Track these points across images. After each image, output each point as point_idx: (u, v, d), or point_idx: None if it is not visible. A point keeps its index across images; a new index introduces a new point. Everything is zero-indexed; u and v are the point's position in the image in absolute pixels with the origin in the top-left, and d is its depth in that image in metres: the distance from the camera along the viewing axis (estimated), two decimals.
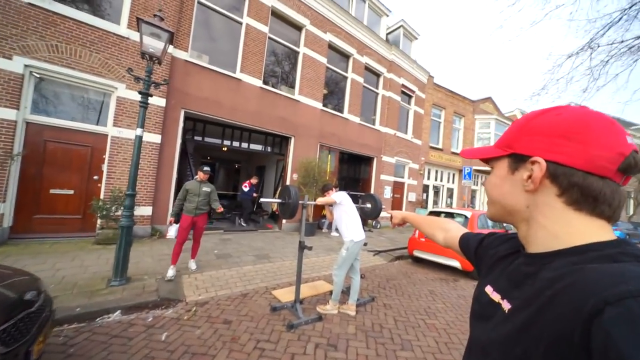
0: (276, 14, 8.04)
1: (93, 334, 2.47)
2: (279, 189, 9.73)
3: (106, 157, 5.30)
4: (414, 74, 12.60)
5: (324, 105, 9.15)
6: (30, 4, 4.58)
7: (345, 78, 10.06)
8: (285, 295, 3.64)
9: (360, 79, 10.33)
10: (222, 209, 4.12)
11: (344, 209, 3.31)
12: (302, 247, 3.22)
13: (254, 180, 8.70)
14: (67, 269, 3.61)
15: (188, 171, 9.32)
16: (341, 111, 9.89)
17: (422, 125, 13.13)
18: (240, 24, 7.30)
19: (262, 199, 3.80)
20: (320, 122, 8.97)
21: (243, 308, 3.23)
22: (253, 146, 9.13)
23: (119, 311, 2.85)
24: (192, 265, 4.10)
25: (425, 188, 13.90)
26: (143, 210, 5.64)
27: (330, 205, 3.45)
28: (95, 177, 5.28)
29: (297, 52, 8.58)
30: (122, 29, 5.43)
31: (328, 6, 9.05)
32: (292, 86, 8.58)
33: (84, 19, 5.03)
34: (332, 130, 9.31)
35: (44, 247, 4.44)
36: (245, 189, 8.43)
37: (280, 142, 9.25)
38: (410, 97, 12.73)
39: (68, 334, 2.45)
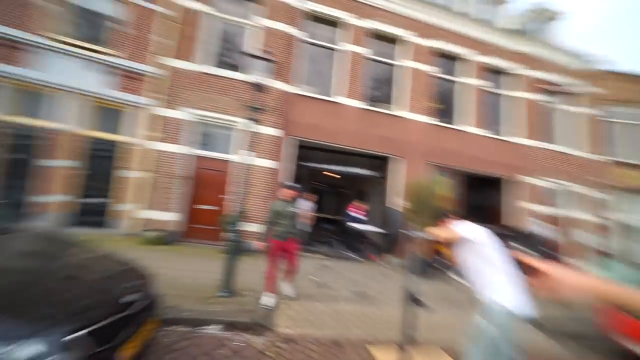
0: (373, 34, 7.95)
1: (191, 345, 2.55)
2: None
3: (232, 180, 6.39)
4: (561, 62, 9.20)
5: (432, 118, 7.94)
6: (203, 72, 6.41)
7: (457, 84, 8.49)
8: (385, 356, 2.78)
9: (478, 82, 8.45)
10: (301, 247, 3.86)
11: (480, 252, 2.09)
12: (410, 298, 2.36)
13: (361, 205, 8.32)
14: (197, 272, 4.26)
15: (301, 196, 10.19)
16: (454, 123, 8.27)
17: (596, 131, 9.10)
18: (338, 50, 7.64)
19: (351, 224, 3.20)
20: (428, 138, 7.76)
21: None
22: (354, 169, 8.94)
23: (217, 325, 2.93)
24: (287, 289, 3.80)
25: (605, 226, 9.16)
26: (257, 227, 6.30)
27: (452, 242, 2.39)
28: (227, 196, 6.41)
29: (397, 66, 8.04)
30: (242, 75, 6.66)
31: (426, 11, 8.18)
32: (395, 103, 7.97)
33: (221, 73, 6.55)
34: (444, 146, 7.82)
35: (192, 249, 5.60)
36: (352, 214, 8.10)
37: (381, 163, 8.61)
38: (564, 94, 9.24)
39: (174, 338, 2.64)
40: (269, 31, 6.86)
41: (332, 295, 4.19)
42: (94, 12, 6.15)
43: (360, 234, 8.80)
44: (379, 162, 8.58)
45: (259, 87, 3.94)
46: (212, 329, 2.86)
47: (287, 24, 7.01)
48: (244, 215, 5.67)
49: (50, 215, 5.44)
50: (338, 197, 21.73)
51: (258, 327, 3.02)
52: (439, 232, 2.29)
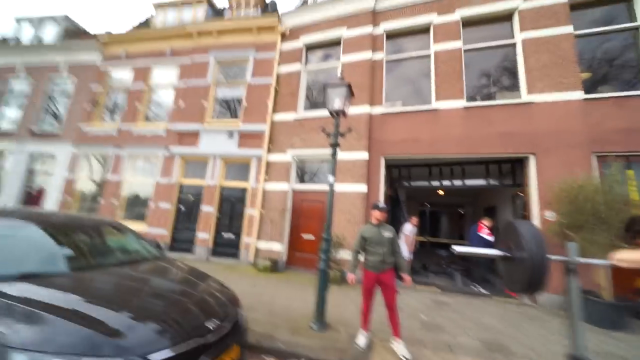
0: (469, 22, 6.71)
1: None
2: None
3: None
4: None
5: (589, 92, 5.47)
6: (295, 119, 7.43)
7: (620, 35, 5.58)
8: None
9: None
10: (409, 279, 2.99)
11: None
12: None
13: (489, 224, 6.56)
14: (295, 300, 4.38)
15: (402, 219, 9.25)
16: (625, 88, 5.32)
17: None
18: (428, 56, 6.85)
19: (457, 247, 1.67)
20: (586, 119, 5.29)
21: None
22: (470, 182, 7.27)
23: (303, 359, 2.76)
24: (399, 347, 2.86)
25: None
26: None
27: None
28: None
29: (512, 45, 6.27)
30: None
31: None
32: (514, 89, 6.13)
33: (312, 114, 7.22)
34: (625, 125, 5.06)
35: (298, 277, 5.95)
36: (481, 234, 6.43)
37: (511, 168, 6.57)
38: None
39: None
40: (351, 64, 7.21)
41: (449, 344, 3.16)
42: (230, 98, 8.58)
43: (491, 262, 6.71)
44: (508, 167, 6.62)
45: (337, 113, 4.00)
46: None
47: (367, 50, 7.15)
48: (337, 243, 5.66)
49: (200, 248, 7.33)
50: (454, 217, 18.29)
51: None
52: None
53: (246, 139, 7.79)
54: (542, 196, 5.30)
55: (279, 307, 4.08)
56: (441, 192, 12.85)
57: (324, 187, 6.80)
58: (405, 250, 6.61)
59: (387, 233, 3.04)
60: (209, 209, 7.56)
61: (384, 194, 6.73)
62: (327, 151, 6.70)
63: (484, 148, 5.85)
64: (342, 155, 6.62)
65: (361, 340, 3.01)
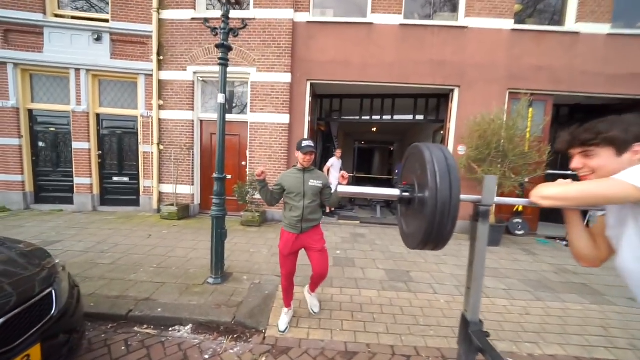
0: None
1: (144, 356, 1.92)
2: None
3: (247, 142, 5.56)
4: None
5: (518, 22, 5.29)
6: (193, 18, 5.38)
7: None
8: None
9: None
10: (332, 209, 2.53)
11: None
12: (475, 342, 1.08)
13: None
14: (200, 250, 3.74)
15: (333, 154, 8.99)
16: (560, 23, 5.38)
17: None
18: None
19: (340, 188, 1.15)
20: (510, 53, 5.25)
21: None
22: (399, 117, 7.12)
23: (190, 325, 2.26)
24: (312, 301, 2.48)
25: None
26: None
27: (616, 202, 0.86)
28: (243, 163, 5.70)
29: None
30: (249, 11, 5.34)
31: None
32: (453, 9, 5.53)
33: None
34: (538, 62, 5.21)
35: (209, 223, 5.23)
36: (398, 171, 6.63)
37: (437, 104, 6.53)
38: None
39: (134, 342, 2.06)
40: None
41: (357, 277, 3.14)
42: None
43: None
44: (433, 102, 6.53)
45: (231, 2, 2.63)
46: (183, 332, 2.20)
47: None
48: (255, 182, 4.96)
49: (82, 196, 5.70)
50: (385, 154, 19.67)
51: (241, 328, 2.24)
52: (566, 191, 0.86)
53: (123, 45, 5.50)
54: (458, 131, 5.44)
55: (175, 260, 3.39)
56: (374, 129, 13.03)
57: (241, 117, 5.62)
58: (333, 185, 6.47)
59: (314, 181, 2.14)
60: (83, 145, 5.61)
61: (312, 128, 6.02)
62: (244, 70, 5.29)
63: (415, 77, 5.42)
64: (259, 76, 5.34)
65: (283, 321, 2.25)
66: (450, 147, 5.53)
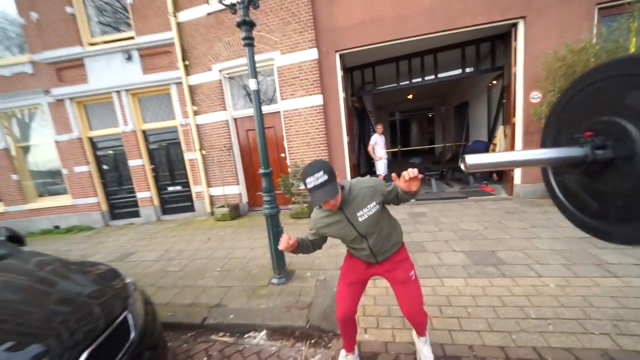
0: None
1: None
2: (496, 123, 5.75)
3: (283, 133, 5.33)
4: None
5: None
6: (208, 13, 5.19)
7: None
8: None
9: None
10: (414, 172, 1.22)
11: None
12: None
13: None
14: (257, 249, 3.70)
15: (371, 132, 8.38)
16: None
17: None
18: None
19: (469, 158, 0.63)
20: None
21: None
22: (444, 74, 6.17)
23: (264, 332, 2.15)
24: (424, 349, 1.63)
25: None
26: None
27: None
28: (282, 155, 5.53)
29: None
30: None
31: None
32: None
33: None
34: None
35: (260, 219, 5.23)
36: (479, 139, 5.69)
37: (490, 48, 5.46)
38: None
39: (214, 352, 2.01)
40: None
41: (432, 264, 2.72)
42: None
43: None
44: (486, 47, 5.48)
45: None
46: (259, 338, 2.10)
47: None
48: (296, 172, 4.75)
49: (146, 209, 6.17)
50: (423, 122, 18.00)
51: (317, 332, 2.05)
52: None
53: (151, 58, 5.60)
54: (528, 75, 4.41)
55: (236, 262, 3.39)
56: (410, 97, 11.85)
57: (272, 107, 5.38)
58: (382, 165, 5.98)
59: (365, 211, 1.34)
60: (137, 162, 6.02)
61: (348, 105, 5.53)
62: (267, 56, 4.99)
63: (463, 18, 4.48)
64: (284, 59, 4.98)
65: None
66: (519, 96, 4.56)
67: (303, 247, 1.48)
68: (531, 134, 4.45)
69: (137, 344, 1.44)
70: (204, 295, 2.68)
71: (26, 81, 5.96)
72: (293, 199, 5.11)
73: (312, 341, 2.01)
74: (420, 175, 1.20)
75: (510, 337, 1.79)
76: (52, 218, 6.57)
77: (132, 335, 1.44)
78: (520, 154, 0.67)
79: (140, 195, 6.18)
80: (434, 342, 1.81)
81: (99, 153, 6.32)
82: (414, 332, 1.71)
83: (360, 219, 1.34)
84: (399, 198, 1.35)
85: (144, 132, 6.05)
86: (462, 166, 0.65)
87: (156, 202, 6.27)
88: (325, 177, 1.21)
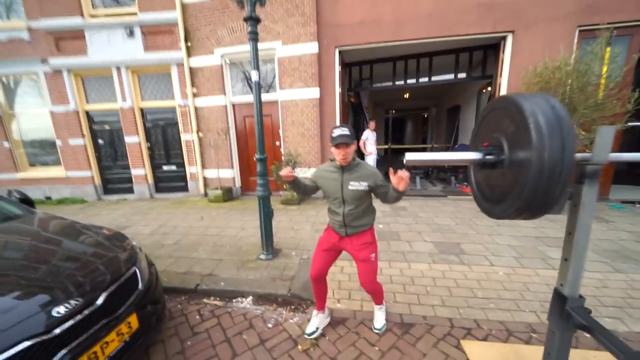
0: None
1: (216, 325, 2.14)
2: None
3: (279, 122, 5.53)
4: None
5: None
6: None
7: None
8: (485, 353, 1.63)
9: None
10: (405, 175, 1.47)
11: None
12: (576, 318, 0.97)
13: None
14: (248, 229, 3.98)
15: (365, 126, 8.63)
16: None
17: None
18: None
19: (409, 155, 0.95)
20: None
21: (402, 357, 1.73)
22: (438, 77, 6.44)
23: (250, 298, 2.45)
24: (377, 315, 2.01)
25: None
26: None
27: None
28: (277, 143, 5.74)
29: None
30: None
31: None
32: None
33: None
34: None
35: (253, 203, 5.49)
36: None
37: (482, 57, 5.73)
38: None
39: (205, 312, 2.30)
40: None
41: (403, 250, 3.08)
42: None
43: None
44: (479, 56, 5.75)
45: None
46: (245, 303, 2.40)
47: None
48: (290, 161, 4.99)
49: (140, 186, 6.32)
50: (418, 122, 18.34)
51: (297, 300, 2.37)
52: None
53: (154, 36, 5.63)
54: (511, 86, 4.74)
55: (228, 239, 3.66)
56: (406, 96, 12.10)
57: (271, 96, 5.55)
58: (371, 160, 6.27)
59: (355, 183, 1.64)
60: (134, 140, 6.12)
61: (343, 100, 5.76)
62: (268, 45, 5.12)
63: (458, 27, 4.73)
64: (285, 50, 5.13)
65: (312, 324, 1.96)
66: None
67: (298, 184, 1.80)
68: None
69: (143, 294, 1.71)
70: (197, 266, 2.95)
71: (23, 48, 5.89)
72: (285, 186, 5.37)
73: (292, 307, 2.33)
74: (407, 175, 1.43)
75: (458, 311, 2.15)
76: (44, 188, 6.63)
77: (140, 286, 1.71)
78: (444, 154, 0.96)
79: (134, 172, 6.31)
80: (395, 312, 2.15)
81: (95, 127, 6.36)
82: (373, 305, 2.06)
83: (349, 187, 1.67)
84: (386, 196, 1.65)
85: (142, 109, 6.12)
86: (404, 160, 0.93)
87: (150, 179, 6.42)
88: (349, 132, 1.58)
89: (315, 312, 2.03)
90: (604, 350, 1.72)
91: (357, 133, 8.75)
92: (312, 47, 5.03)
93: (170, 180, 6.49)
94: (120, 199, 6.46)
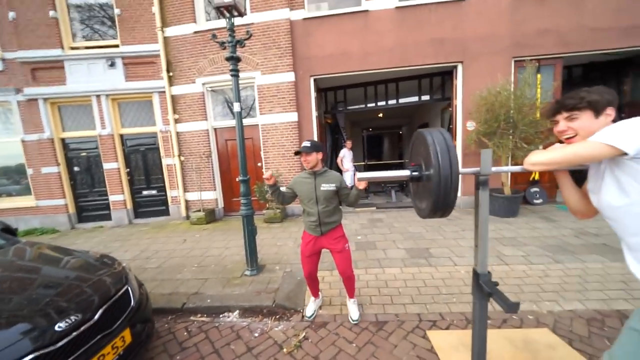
0: None
1: (205, 339, 2.25)
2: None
3: (260, 144, 5.83)
4: None
5: None
6: (195, 32, 5.64)
7: None
8: (451, 349, 1.89)
9: None
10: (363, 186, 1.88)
11: None
12: (485, 288, 1.29)
13: None
14: (232, 248, 4.09)
15: (343, 145, 9.13)
16: None
17: None
18: None
19: (359, 174, 1.34)
20: (513, 20, 5.13)
21: (375, 350, 1.94)
22: (404, 100, 7.14)
23: (237, 311, 2.58)
24: (352, 308, 2.35)
25: None
26: None
27: (594, 161, 1.03)
28: (259, 164, 5.99)
29: None
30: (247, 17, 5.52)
31: None
32: None
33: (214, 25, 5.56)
34: (543, 25, 5.08)
35: (236, 223, 5.60)
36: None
37: (441, 82, 6.49)
38: None
39: (193, 328, 2.40)
40: None
41: (379, 258, 3.36)
42: (93, 3, 5.92)
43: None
44: (439, 80, 6.50)
45: (227, 9, 2.80)
46: (232, 317, 2.52)
47: None
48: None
49: (118, 212, 6.22)
50: (394, 139, 19.47)
51: (282, 310, 2.53)
52: (562, 155, 1.03)
53: (135, 66, 5.86)
54: (465, 107, 5.43)
55: (212, 259, 3.75)
56: (381, 115, 12.98)
57: (252, 120, 5.87)
58: (349, 177, 6.65)
59: (326, 185, 2.08)
60: (112, 165, 6.09)
61: (320, 122, 6.20)
62: (248, 75, 5.52)
63: (416, 58, 5.43)
64: (264, 79, 5.55)
65: (310, 308, 2.42)
66: (459, 124, 5.56)
67: (277, 190, 2.19)
68: (468, 155, 5.42)
69: (135, 311, 1.83)
70: (183, 286, 3.02)
71: None
72: (267, 205, 5.56)
73: (277, 316, 2.49)
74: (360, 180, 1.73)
75: (426, 307, 2.43)
76: (10, 220, 6.28)
77: (132, 302, 1.84)
78: (386, 172, 1.29)
79: (113, 198, 6.21)
80: (371, 312, 2.39)
81: (71, 154, 6.27)
82: (347, 298, 2.42)
83: (321, 188, 2.11)
84: (348, 197, 2.10)
85: (121, 136, 6.17)
86: (356, 178, 1.24)
87: (129, 205, 6.33)
88: (309, 144, 2.07)
89: (312, 298, 2.49)
90: (542, 327, 2.06)
91: (336, 152, 9.22)
92: (289, 77, 5.49)
93: (150, 205, 6.44)
94: (96, 226, 6.27)
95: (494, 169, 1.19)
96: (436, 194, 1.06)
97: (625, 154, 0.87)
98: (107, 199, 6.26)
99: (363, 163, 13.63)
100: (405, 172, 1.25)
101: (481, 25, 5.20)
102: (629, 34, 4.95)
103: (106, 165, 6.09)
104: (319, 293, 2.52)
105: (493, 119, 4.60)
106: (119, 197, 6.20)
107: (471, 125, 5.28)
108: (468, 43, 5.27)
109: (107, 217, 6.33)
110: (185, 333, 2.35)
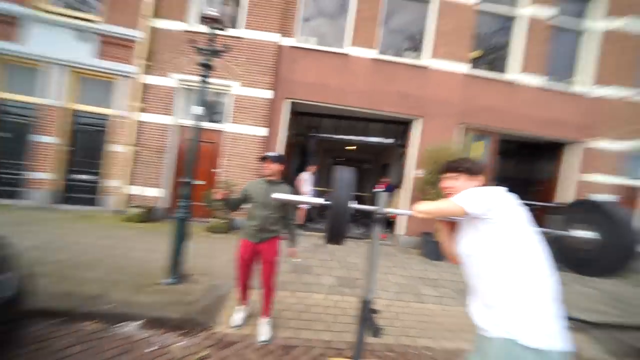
0: None
1: (88, 349, 1.99)
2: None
3: (221, 151, 5.74)
4: None
5: (472, 67, 6.14)
6: (185, 31, 5.66)
7: (512, 19, 6.35)
8: None
9: (545, 13, 6.19)
10: (293, 252, 2.45)
11: (499, 232, 1.11)
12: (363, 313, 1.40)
13: (386, 180, 7.24)
14: (158, 252, 3.78)
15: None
16: (503, 71, 6.33)
17: None
18: None
19: (276, 195, 1.57)
20: (464, 93, 6.04)
21: None
22: (370, 138, 7.69)
23: (140, 321, 2.35)
24: (263, 329, 2.34)
25: None
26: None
27: (454, 216, 1.29)
28: (215, 170, 5.84)
29: (428, 1, 6.22)
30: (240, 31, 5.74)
31: None
32: (419, 50, 6.31)
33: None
34: (487, 103, 6.05)
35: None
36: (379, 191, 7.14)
37: (403, 129, 7.18)
38: None
39: (80, 335, 2.11)
40: None
41: (310, 282, 3.38)
42: None
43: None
44: (400, 128, 7.17)
45: (212, 20, 2.93)
46: (131, 327, 2.29)
47: None
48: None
49: (38, 192, 5.47)
50: (360, 171, 20.40)
51: (190, 324, 2.37)
52: (432, 208, 1.24)
53: (111, 47, 5.60)
54: (419, 156, 6.03)
55: (134, 261, 3.42)
56: (354, 148, 13.66)
57: (220, 125, 5.83)
58: (305, 196, 6.73)
59: (276, 194, 2.15)
60: (46, 139, 5.46)
61: (289, 143, 6.36)
62: (227, 82, 5.58)
63: (384, 105, 6.01)
64: (242, 90, 5.66)
65: (237, 316, 2.43)
66: (410, 170, 6.11)
67: (229, 200, 2.36)
68: (414, 198, 5.89)
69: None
70: (87, 287, 2.68)
71: None
72: (214, 214, 5.34)
73: (184, 331, 2.31)
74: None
75: (338, 335, 2.46)
76: None
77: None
78: (302, 197, 1.41)
79: (35, 175, 5.47)
80: (285, 336, 2.35)
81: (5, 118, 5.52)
82: (260, 319, 2.41)
83: (272, 196, 2.16)
84: (286, 216, 2.34)
85: (74, 111, 5.65)
86: (271, 195, 1.32)
87: (57, 186, 5.61)
88: (273, 155, 2.33)
89: (237, 308, 2.50)
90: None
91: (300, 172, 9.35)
92: (267, 94, 5.68)
93: (82, 192, 5.78)
94: (2, 204, 5.38)
95: (386, 209, 1.36)
96: (332, 223, 1.18)
97: (467, 213, 1.09)
98: (23, 175, 5.48)
99: (324, 189, 13.94)
100: (321, 200, 1.36)
101: (440, 90, 6.03)
102: (546, 127, 6.12)
103: (38, 138, 5.44)
104: (248, 301, 2.51)
105: (436, 170, 5.17)
106: (42, 174, 5.48)
107: (421, 173, 5.84)
108: (427, 102, 6.02)
109: (21, 196, 5.50)
110: (67, 340, 2.05)
